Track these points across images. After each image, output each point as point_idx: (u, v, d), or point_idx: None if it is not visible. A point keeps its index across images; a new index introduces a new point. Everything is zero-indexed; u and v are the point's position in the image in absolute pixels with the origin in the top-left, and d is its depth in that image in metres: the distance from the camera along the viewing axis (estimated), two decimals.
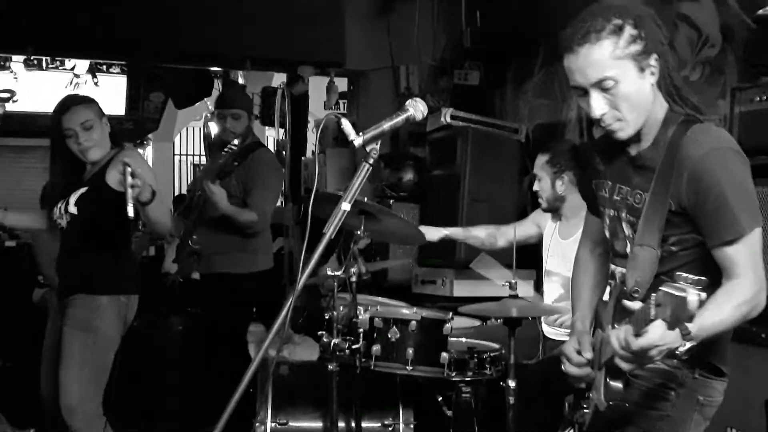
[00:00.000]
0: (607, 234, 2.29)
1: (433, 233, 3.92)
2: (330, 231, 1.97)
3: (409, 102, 2.11)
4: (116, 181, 3.37)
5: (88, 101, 3.58)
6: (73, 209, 3.49)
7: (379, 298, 3.72)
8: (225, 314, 4.52)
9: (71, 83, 10.12)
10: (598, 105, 2.07)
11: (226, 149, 4.21)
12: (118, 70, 10.03)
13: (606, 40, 2.02)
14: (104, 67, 10.06)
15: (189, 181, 13.05)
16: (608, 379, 2.14)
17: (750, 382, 2.84)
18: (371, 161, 2.03)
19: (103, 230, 3.49)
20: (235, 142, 4.23)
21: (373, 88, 6.39)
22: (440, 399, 3.49)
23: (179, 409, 5.24)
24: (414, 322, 3.19)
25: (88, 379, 3.38)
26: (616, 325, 2.12)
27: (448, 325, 3.24)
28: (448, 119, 5.00)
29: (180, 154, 13.97)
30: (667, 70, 2.08)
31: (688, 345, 1.86)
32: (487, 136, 5.02)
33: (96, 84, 9.42)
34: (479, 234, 4.06)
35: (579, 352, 2.27)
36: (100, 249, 3.50)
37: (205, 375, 4.93)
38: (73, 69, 9.83)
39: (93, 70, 9.42)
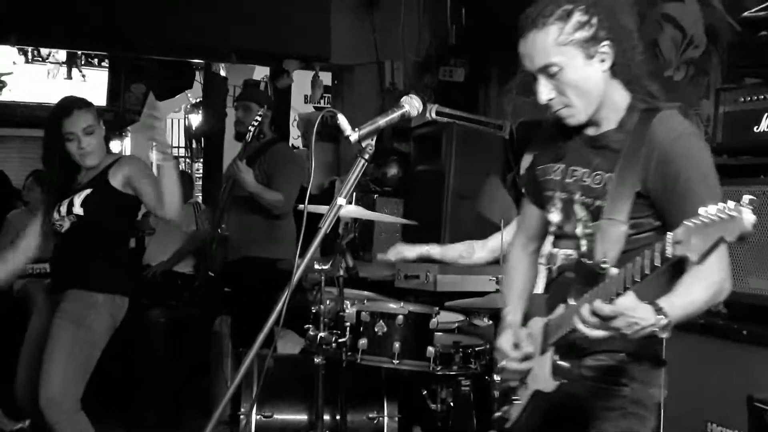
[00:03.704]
0: (558, 217, 2.24)
1: (409, 252, 3.94)
2: (325, 226, 1.97)
3: (404, 98, 2.11)
4: (121, 183, 3.53)
5: (87, 105, 3.59)
6: (79, 210, 3.48)
7: (366, 293, 3.73)
8: (246, 299, 4.62)
9: (49, 74, 10.07)
10: (544, 90, 2.08)
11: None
12: (96, 62, 10.00)
13: (552, 26, 2.02)
14: (83, 58, 10.03)
15: None
16: (557, 359, 2.12)
17: (731, 378, 2.89)
18: (366, 156, 2.03)
19: (107, 231, 3.53)
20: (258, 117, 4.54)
21: (358, 83, 6.41)
22: (425, 393, 3.51)
23: (160, 401, 5.23)
24: (401, 317, 3.22)
25: (72, 373, 3.36)
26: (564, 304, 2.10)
27: (434, 320, 3.26)
28: (433, 115, 5.02)
29: None
30: (623, 58, 2.06)
31: (664, 322, 1.83)
32: (471, 133, 5.05)
33: (83, 77, 9.35)
34: (457, 247, 4.07)
35: (515, 346, 2.24)
36: (101, 248, 3.50)
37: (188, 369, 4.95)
38: (48, 57, 9.75)
39: (71, 62, 9.35)
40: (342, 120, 2.02)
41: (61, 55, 9.76)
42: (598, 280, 1.91)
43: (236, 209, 4.71)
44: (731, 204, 1.51)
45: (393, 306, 3.28)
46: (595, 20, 2.01)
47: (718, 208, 1.53)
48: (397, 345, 3.18)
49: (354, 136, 2.01)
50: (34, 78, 10.04)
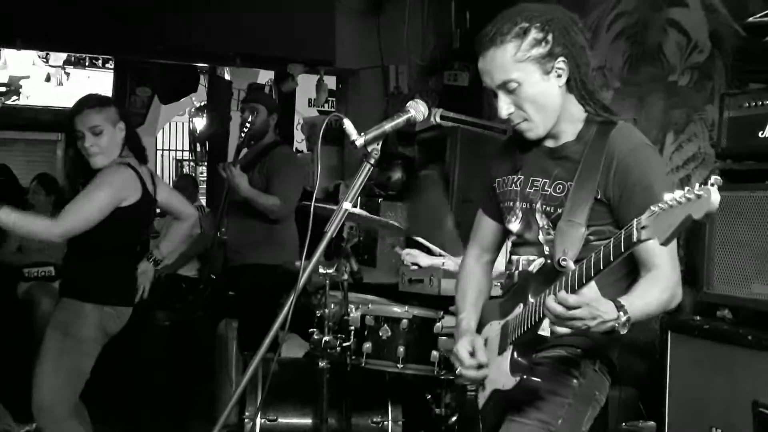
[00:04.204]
0: (518, 226, 2.29)
1: (423, 260, 3.91)
2: (332, 230, 1.98)
3: (410, 103, 2.13)
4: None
5: (103, 104, 3.46)
6: None
7: (370, 297, 3.74)
8: (250, 303, 4.59)
9: (50, 78, 10.09)
10: (504, 105, 2.16)
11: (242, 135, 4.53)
12: (100, 63, 10.01)
13: (509, 43, 2.10)
14: (86, 59, 10.04)
15: (173, 177, 13.03)
16: (516, 355, 2.13)
17: (736, 383, 2.88)
18: (372, 161, 2.05)
19: (98, 242, 3.39)
20: (248, 123, 4.51)
21: (363, 87, 6.41)
22: (429, 397, 3.51)
23: (165, 405, 5.23)
24: (405, 321, 3.22)
25: (61, 382, 3.32)
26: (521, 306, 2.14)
27: (438, 324, 3.27)
28: (438, 119, 5.01)
29: (163, 149, 13.92)
30: (577, 74, 2.14)
31: (624, 318, 1.89)
32: (475, 137, 5.05)
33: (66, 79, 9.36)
34: None
35: (471, 354, 2.26)
36: (94, 258, 3.41)
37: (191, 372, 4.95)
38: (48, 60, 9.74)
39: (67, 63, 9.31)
40: (348, 125, 2.04)
41: (59, 57, 9.78)
42: (557, 278, 1.95)
43: (235, 213, 4.67)
44: (697, 185, 1.54)
45: (397, 310, 3.29)
46: (550, 37, 2.10)
47: (683, 192, 1.55)
48: (401, 349, 3.18)
49: (360, 141, 2.03)
50: (38, 81, 10.08)
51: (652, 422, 3.49)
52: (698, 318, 3.19)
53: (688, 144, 3.94)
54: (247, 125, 4.50)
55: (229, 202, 4.63)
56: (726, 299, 3.10)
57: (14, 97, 8.61)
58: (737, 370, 2.91)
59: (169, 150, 14.11)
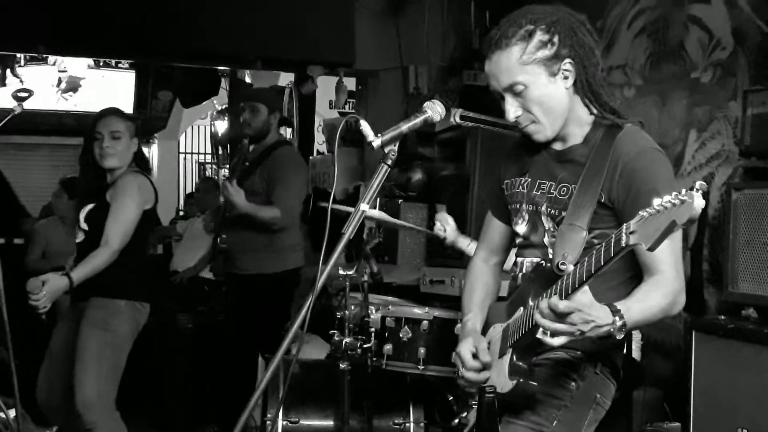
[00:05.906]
0: (525, 228, 2.30)
1: (451, 232, 3.81)
2: (349, 231, 1.98)
3: (426, 104, 2.12)
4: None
5: (127, 118, 3.74)
6: (84, 225, 3.60)
7: (390, 298, 3.72)
8: (250, 315, 4.54)
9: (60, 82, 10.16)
10: (511, 109, 2.16)
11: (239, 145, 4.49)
12: (113, 63, 10.05)
13: (515, 46, 2.10)
14: (101, 63, 10.08)
15: (195, 180, 13.12)
16: (515, 358, 2.12)
17: (762, 383, 2.85)
18: (389, 162, 2.04)
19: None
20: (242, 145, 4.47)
21: (382, 88, 6.41)
22: (451, 398, 3.50)
23: (187, 406, 5.25)
24: (426, 322, 3.21)
25: (104, 375, 3.45)
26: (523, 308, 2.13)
27: (459, 325, 3.25)
28: (458, 119, 4.95)
29: (185, 153, 14.00)
30: (584, 75, 2.13)
31: (620, 323, 1.88)
32: (496, 137, 5.01)
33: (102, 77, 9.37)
34: None
35: (474, 356, 2.26)
36: (119, 257, 3.51)
37: (214, 375, 4.96)
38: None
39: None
40: (365, 126, 2.03)
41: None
42: (556, 281, 1.94)
43: (234, 221, 4.48)
44: (683, 190, 1.54)
45: (418, 311, 3.27)
46: (556, 39, 2.10)
47: (671, 197, 1.55)
48: (422, 350, 3.17)
49: (377, 142, 2.02)
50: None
51: (677, 423, 3.46)
52: (723, 317, 3.16)
53: (711, 141, 3.90)
54: (244, 150, 4.46)
55: (226, 216, 4.50)
56: (751, 298, 3.07)
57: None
58: (763, 370, 2.88)
59: (192, 153, 14.20)
